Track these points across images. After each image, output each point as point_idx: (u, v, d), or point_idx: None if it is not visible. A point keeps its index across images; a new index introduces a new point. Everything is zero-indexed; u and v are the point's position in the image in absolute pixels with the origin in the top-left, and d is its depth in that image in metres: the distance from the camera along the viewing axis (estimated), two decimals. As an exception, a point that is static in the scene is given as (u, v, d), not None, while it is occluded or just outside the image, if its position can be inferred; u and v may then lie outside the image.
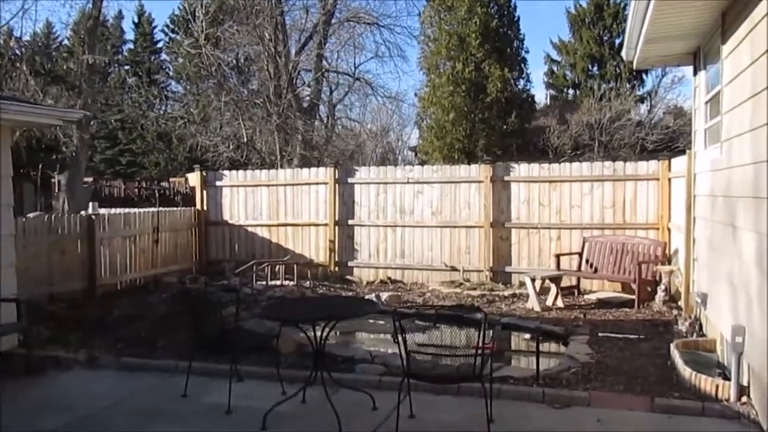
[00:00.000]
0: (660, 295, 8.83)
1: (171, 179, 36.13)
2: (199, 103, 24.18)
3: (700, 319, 7.00)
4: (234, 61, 24.82)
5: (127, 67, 38.63)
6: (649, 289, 9.49)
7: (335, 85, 26.39)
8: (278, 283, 9.86)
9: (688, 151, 7.73)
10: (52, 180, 33.74)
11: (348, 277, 11.92)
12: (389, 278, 11.71)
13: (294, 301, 5.65)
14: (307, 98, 25.31)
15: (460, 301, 9.80)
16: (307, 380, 5.21)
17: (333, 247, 12.00)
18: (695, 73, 7.30)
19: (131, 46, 43.85)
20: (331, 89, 26.70)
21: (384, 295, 9.73)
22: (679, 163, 9.44)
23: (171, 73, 38.82)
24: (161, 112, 24.88)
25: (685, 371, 5.37)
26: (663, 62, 7.82)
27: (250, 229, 12.64)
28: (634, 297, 9.22)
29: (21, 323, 6.47)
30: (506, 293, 10.23)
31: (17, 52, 22.65)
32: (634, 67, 7.99)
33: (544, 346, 7.67)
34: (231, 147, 21.83)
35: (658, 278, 9.28)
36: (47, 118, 6.80)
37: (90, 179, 37.02)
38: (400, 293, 10.39)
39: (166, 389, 5.88)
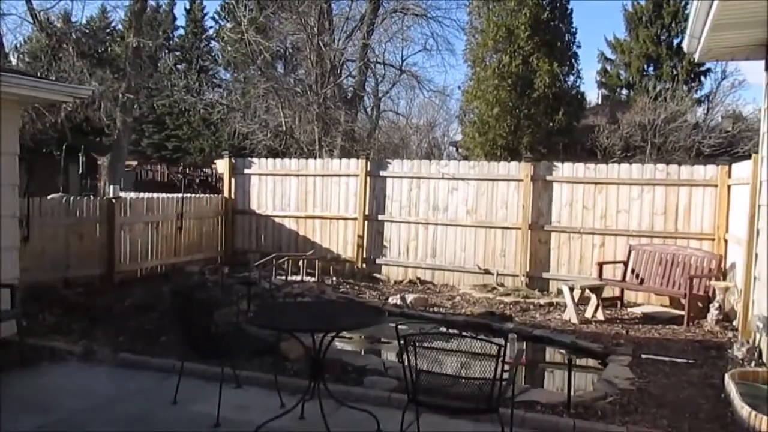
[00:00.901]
0: (713, 313, 7.99)
1: (213, 165, 36.18)
2: (242, 91, 23.97)
3: (759, 346, 6.19)
4: (281, 50, 24.55)
5: (177, 53, 38.92)
6: (700, 305, 8.64)
7: (381, 77, 25.94)
8: (298, 278, 9.36)
9: (753, 155, 6.88)
10: (99, 163, 34.16)
11: (375, 275, 11.36)
12: (418, 278, 11.09)
13: (292, 306, 5.11)
14: (351, 89, 24.86)
15: (491, 308, 9.11)
16: (304, 394, 4.65)
17: (361, 242, 11.44)
18: (767, 67, 6.45)
19: (182, 32, 44.15)
20: (377, 81, 26.23)
21: (409, 297, 9.13)
22: (741, 168, 8.56)
23: (219, 60, 38.91)
24: (206, 99, 24.67)
25: (743, 409, 4.61)
26: (729, 55, 6.97)
27: (277, 219, 12.18)
28: (683, 313, 8.40)
29: (15, 310, 6.09)
30: (542, 301, 9.50)
31: (65, 34, 22.83)
32: (696, 59, 7.16)
33: (580, 366, 6.97)
34: (269, 135, 21.49)
35: (711, 294, 8.44)
36: (54, 94, 6.42)
37: (134, 163, 37.35)
38: (427, 296, 9.76)
39: (158, 392, 5.41)
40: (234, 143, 24.50)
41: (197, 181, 32.51)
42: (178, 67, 27.49)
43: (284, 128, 21.58)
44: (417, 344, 3.83)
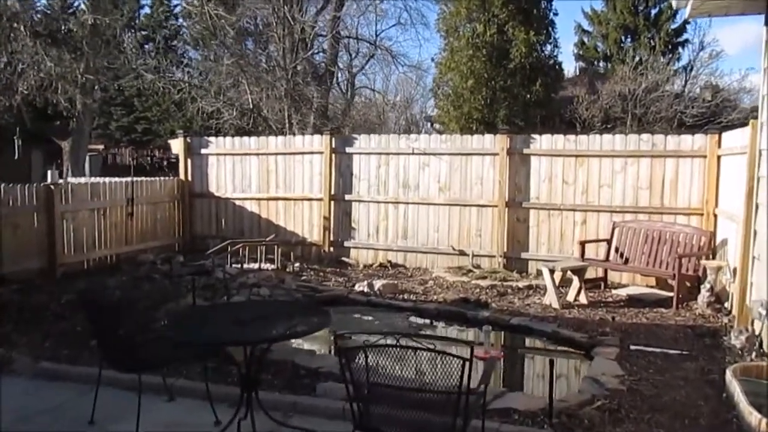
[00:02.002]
0: (704, 295, 7.37)
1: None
2: (206, 68, 22.88)
3: (760, 335, 5.56)
4: (251, 26, 23.50)
5: (143, 32, 37.37)
6: (688, 284, 8.05)
7: (355, 53, 25.05)
8: (256, 266, 8.59)
9: (752, 121, 6.20)
10: (62, 149, 32.83)
11: (344, 258, 10.62)
12: (389, 261, 10.38)
13: (221, 310, 4.31)
14: (322, 65, 23.92)
15: (466, 293, 8.43)
16: (236, 413, 3.91)
17: (328, 224, 10.68)
18: (767, 21, 5.74)
19: (148, 11, 42.51)
20: (350, 56, 25.32)
21: (377, 284, 8.40)
22: (732, 138, 7.91)
23: (187, 39, 37.49)
24: (168, 78, 23.50)
25: (751, 416, 3.97)
26: (723, 9, 6.25)
27: (238, 202, 11.36)
28: (671, 295, 7.79)
29: None
30: (521, 284, 8.83)
31: (16, 14, 21.50)
32: (687, 15, 6.44)
33: (562, 353, 6.31)
34: (235, 114, 20.52)
35: (701, 274, 7.82)
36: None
37: (100, 147, 36.01)
38: (398, 281, 9.05)
39: (75, 409, 4.65)
40: (204, 124, 23.49)
41: (166, 163, 31.41)
42: (145, 47, 26.21)
43: (251, 106, 20.64)
44: (360, 359, 3.09)
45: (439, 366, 2.95)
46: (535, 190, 9.56)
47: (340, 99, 26.67)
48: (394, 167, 10.35)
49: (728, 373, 4.69)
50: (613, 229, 8.88)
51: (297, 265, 9.72)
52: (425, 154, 10.12)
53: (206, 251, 10.34)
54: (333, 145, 10.63)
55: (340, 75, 26.12)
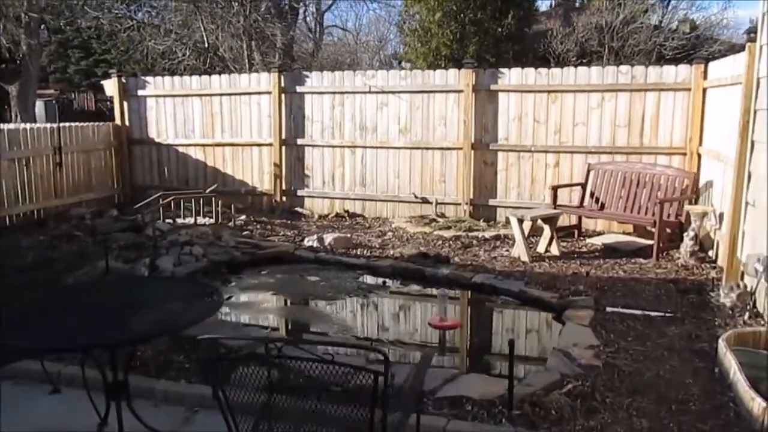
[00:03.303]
0: (687, 243, 6.65)
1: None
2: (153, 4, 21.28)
3: (754, 294, 4.85)
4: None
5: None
6: (669, 232, 7.35)
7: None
8: (190, 221, 7.66)
9: (749, 45, 5.33)
10: (9, 93, 30.97)
11: (297, 209, 9.74)
12: (347, 211, 9.52)
13: (75, 294, 3.37)
14: (286, 2, 22.39)
15: (427, 245, 7.64)
16: (101, 423, 3.08)
17: (279, 172, 9.74)
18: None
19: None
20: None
21: (328, 238, 7.56)
22: (720, 67, 7.07)
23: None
24: (112, 14, 21.81)
25: (753, 402, 3.25)
26: None
27: (181, 149, 10.33)
28: (650, 243, 7.09)
29: None
30: (488, 234, 8.06)
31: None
32: None
33: (530, 324, 5.58)
34: (188, 53, 19.14)
35: (684, 220, 7.10)
36: None
37: (53, 92, 34.14)
38: (353, 233, 8.21)
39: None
40: (165, 66, 22.05)
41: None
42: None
43: (206, 44, 19.25)
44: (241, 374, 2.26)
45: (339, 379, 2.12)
46: (504, 131, 8.69)
47: (309, 39, 25.24)
48: (350, 108, 9.37)
49: (721, 343, 3.97)
50: (588, 172, 8.09)
51: (243, 218, 8.82)
52: (383, 92, 9.14)
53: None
54: (282, 84, 9.59)
55: (306, 13, 24.64)
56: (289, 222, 9.04)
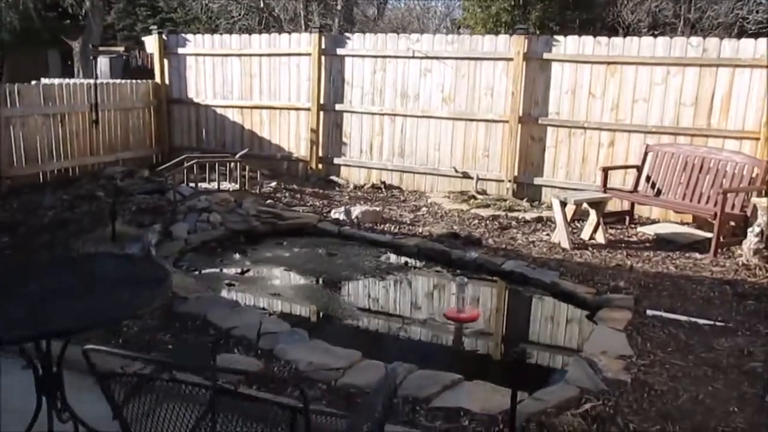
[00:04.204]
0: (751, 240, 5.90)
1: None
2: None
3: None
4: None
5: None
6: (733, 224, 6.58)
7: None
8: (214, 186, 7.33)
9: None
10: (73, 49, 31.57)
11: (333, 177, 9.33)
12: (383, 182, 9.05)
13: (35, 269, 3.00)
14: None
15: (461, 225, 7.12)
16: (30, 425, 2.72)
17: (316, 138, 9.33)
18: None
19: None
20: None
21: (356, 211, 7.13)
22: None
23: None
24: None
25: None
26: None
27: (219, 110, 10.04)
28: (709, 236, 6.35)
29: None
30: (529, 216, 7.47)
31: None
32: None
33: (557, 322, 5.02)
34: (243, 12, 18.87)
35: (750, 214, 6.32)
36: None
37: (120, 49, 34.70)
38: (383, 208, 7.74)
39: None
40: (227, 26, 21.94)
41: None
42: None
43: (261, 3, 18.93)
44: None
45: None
46: (555, 104, 7.99)
47: (371, 2, 24.59)
48: (392, 73, 8.83)
49: (777, 367, 3.35)
50: (646, 154, 7.35)
51: (273, 184, 8.46)
52: (427, 57, 8.54)
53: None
54: (322, 46, 9.11)
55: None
56: (321, 191, 8.64)
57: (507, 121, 8.19)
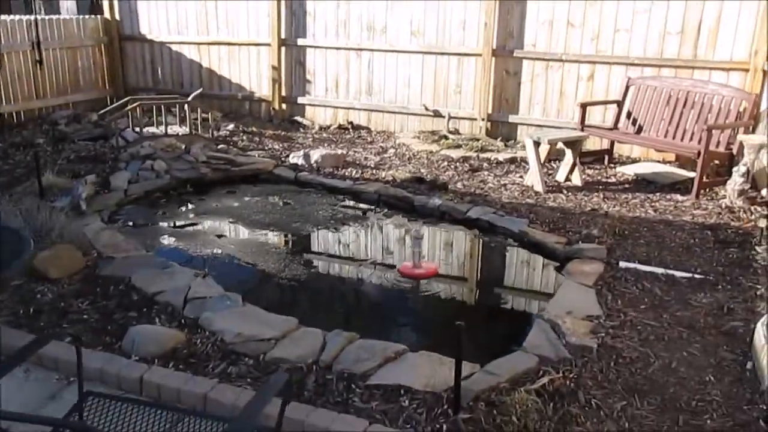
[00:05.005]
0: (736, 180, 5.50)
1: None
2: None
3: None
4: None
5: None
6: (717, 163, 6.17)
7: None
8: (160, 131, 6.74)
9: None
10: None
11: (297, 118, 8.77)
12: (350, 123, 8.51)
13: None
14: None
15: (429, 167, 6.66)
16: None
17: (278, 76, 8.71)
18: None
19: None
20: None
21: (315, 155, 6.62)
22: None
23: None
24: None
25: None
26: None
27: (174, 47, 9.35)
28: (693, 176, 5.93)
29: None
30: (502, 156, 7.00)
31: None
32: None
33: (522, 277, 4.62)
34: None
35: (736, 152, 5.89)
36: None
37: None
38: (347, 150, 7.25)
39: None
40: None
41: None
42: None
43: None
44: None
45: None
46: (531, 36, 7.41)
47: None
48: (357, 5, 8.14)
49: (760, 329, 2.98)
50: (627, 88, 6.85)
51: (230, 127, 7.91)
52: (394, -15, 7.87)
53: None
54: (281, -26, 8.39)
55: None
56: (283, 133, 8.10)
57: (480, 55, 7.60)
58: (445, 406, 2.64)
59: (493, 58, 7.55)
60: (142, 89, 9.50)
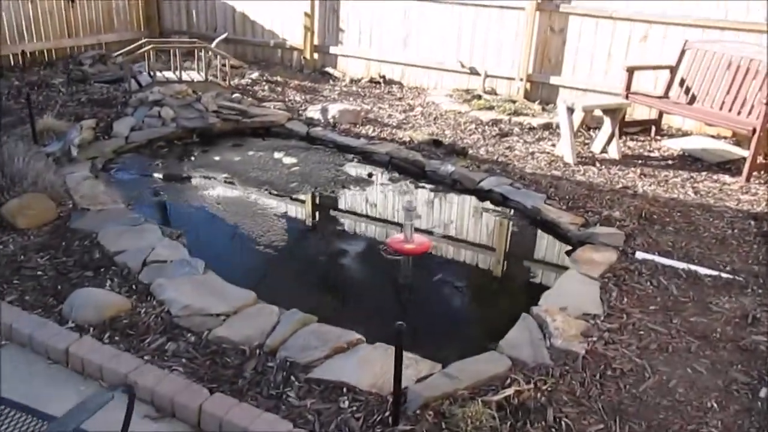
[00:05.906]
0: (794, 163, 4.83)
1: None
2: None
3: None
4: None
5: None
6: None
7: None
8: (176, 76, 6.46)
9: None
10: None
11: (328, 69, 8.36)
12: (382, 77, 8.06)
13: None
14: None
15: (455, 129, 6.19)
16: None
17: (310, 24, 8.28)
18: None
19: None
20: None
21: (333, 110, 6.23)
22: None
23: None
24: None
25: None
26: None
27: (209, -11, 9.02)
28: (745, 156, 5.28)
29: None
30: (536, 122, 6.45)
31: None
32: None
33: (526, 261, 4.13)
34: None
35: (799, 131, 5.18)
36: None
37: None
38: (371, 106, 6.82)
39: None
40: None
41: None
42: None
43: None
44: None
45: None
46: (581, -11, 6.73)
47: None
48: (396, -52, 7.60)
49: (782, 349, 2.48)
50: (683, 52, 6.13)
51: (254, 75, 7.58)
52: (434, -72, 7.26)
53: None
54: None
55: None
56: (310, 84, 7.72)
57: (523, 9, 6.98)
58: (387, 413, 2.29)
59: (537, 13, 6.92)
60: (177, 32, 9.28)
